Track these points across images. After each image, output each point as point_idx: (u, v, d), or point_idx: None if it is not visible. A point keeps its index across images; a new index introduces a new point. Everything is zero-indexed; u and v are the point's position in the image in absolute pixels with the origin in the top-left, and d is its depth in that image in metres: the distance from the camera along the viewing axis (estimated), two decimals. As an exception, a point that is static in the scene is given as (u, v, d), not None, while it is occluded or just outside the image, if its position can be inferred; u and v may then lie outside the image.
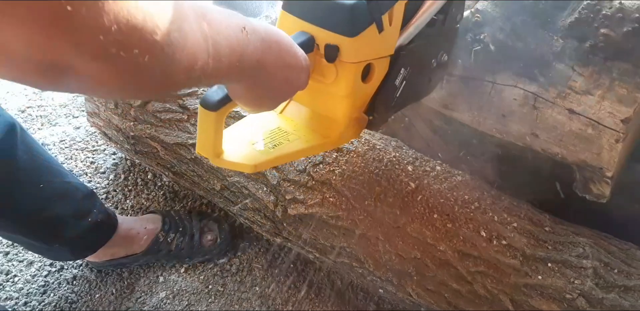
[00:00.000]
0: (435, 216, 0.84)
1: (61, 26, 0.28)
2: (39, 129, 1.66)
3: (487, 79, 0.86)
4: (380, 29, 0.64)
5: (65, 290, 1.27)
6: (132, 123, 1.15)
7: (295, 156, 0.73)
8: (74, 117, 1.71)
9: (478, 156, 0.95)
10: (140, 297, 1.25)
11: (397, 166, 0.93)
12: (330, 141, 0.74)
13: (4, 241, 1.35)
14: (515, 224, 0.84)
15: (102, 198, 1.42)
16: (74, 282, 1.28)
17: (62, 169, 1.08)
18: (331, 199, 0.93)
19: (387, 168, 0.93)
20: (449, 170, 0.93)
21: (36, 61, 0.30)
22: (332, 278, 1.21)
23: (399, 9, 0.67)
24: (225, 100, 0.58)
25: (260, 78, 0.51)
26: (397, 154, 0.95)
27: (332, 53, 0.63)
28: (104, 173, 1.49)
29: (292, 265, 1.24)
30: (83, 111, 1.71)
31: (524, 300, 0.79)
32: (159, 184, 1.45)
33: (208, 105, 0.58)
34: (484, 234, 0.83)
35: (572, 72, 0.78)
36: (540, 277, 0.78)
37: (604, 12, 0.77)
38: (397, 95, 0.77)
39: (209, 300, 1.22)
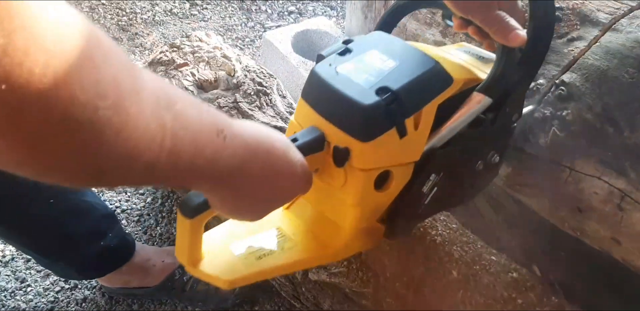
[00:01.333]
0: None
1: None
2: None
3: (565, 164, 0.72)
4: (403, 134, 0.55)
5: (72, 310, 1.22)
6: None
7: (284, 270, 0.63)
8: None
9: (545, 252, 0.80)
10: (145, 334, 1.17)
11: (441, 247, 0.80)
12: (332, 252, 0.64)
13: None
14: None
15: (134, 220, 1.38)
16: (83, 304, 1.25)
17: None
18: (358, 271, 0.81)
19: (429, 247, 0.80)
20: (506, 263, 0.79)
21: None
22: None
23: (429, 110, 0.57)
24: (203, 207, 0.50)
25: (242, 188, 0.45)
26: (446, 233, 0.83)
27: (341, 156, 0.55)
28: (142, 194, 1.46)
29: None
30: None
31: None
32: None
33: (184, 210, 0.51)
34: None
35: (674, 171, 0.63)
36: None
37: None
38: (425, 203, 0.65)
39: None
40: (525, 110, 0.72)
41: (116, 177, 0.31)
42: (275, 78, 1.09)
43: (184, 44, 1.08)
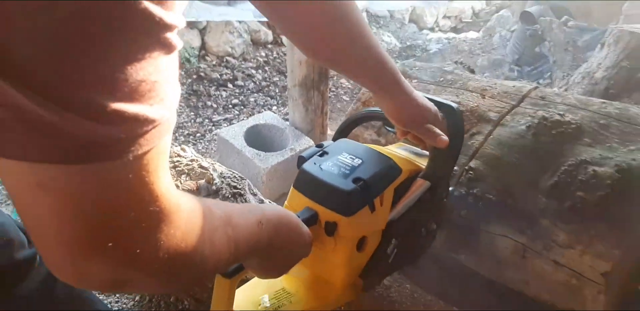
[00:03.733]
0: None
1: (132, 260, 0.39)
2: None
3: (482, 228, 0.96)
4: (372, 209, 0.76)
5: None
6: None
7: None
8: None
9: (480, 296, 1.02)
10: None
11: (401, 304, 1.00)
12: (327, 303, 0.82)
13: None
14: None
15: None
16: None
17: (92, 297, 1.16)
18: None
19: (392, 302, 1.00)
20: (445, 306, 0.99)
21: (108, 280, 0.40)
22: None
23: (389, 192, 0.79)
24: (239, 269, 0.66)
25: (270, 254, 0.60)
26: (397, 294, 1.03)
27: (331, 229, 0.74)
28: (130, 294, 1.56)
29: None
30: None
31: None
32: (180, 307, 1.51)
33: (225, 273, 0.67)
34: None
35: (554, 228, 0.88)
36: None
37: (579, 177, 0.89)
38: (390, 261, 0.85)
39: None
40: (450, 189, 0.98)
41: (208, 277, 0.51)
42: (245, 179, 1.30)
43: (165, 160, 1.28)
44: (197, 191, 1.25)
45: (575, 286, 0.86)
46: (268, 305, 0.79)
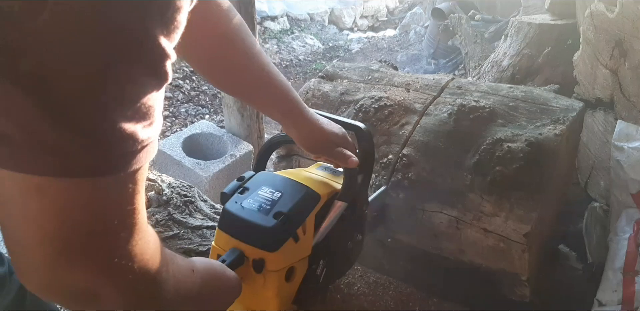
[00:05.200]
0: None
1: (107, 270, 0.42)
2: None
3: (418, 207, 1.07)
4: (296, 240, 0.79)
5: None
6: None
7: None
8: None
9: (422, 269, 1.13)
10: None
11: (351, 286, 1.09)
12: None
13: None
14: (458, 327, 1.00)
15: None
16: None
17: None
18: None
19: (342, 284, 1.08)
20: (397, 284, 1.10)
21: (79, 289, 0.42)
22: None
23: (310, 220, 0.82)
24: None
25: (201, 302, 0.62)
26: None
27: (259, 266, 0.76)
28: None
29: None
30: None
31: None
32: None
33: None
34: (433, 338, 0.98)
35: (481, 200, 1.00)
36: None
37: (497, 153, 1.02)
38: (320, 281, 0.89)
39: None
40: (380, 190, 1.06)
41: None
42: (194, 187, 1.35)
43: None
44: (147, 203, 1.29)
45: (503, 248, 0.98)
46: None
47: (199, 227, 1.28)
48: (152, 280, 0.47)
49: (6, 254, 1.00)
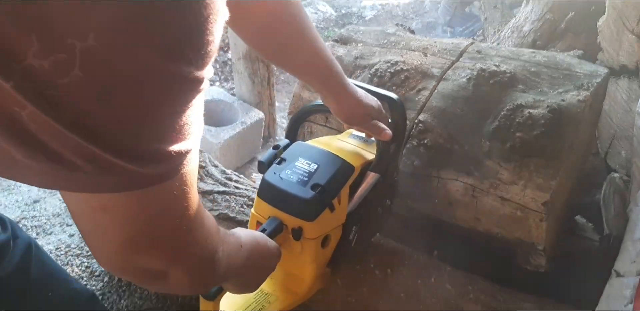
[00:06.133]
0: (402, 295, 0.99)
1: (174, 255, 0.49)
2: (35, 238, 1.77)
3: (434, 175, 1.05)
4: (332, 210, 0.83)
5: None
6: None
7: None
8: (67, 225, 1.82)
9: (436, 238, 1.11)
10: None
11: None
12: (301, 296, 0.91)
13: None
14: (471, 295, 0.99)
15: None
16: None
17: (67, 277, 1.18)
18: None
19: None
20: (411, 253, 1.08)
21: (150, 271, 0.48)
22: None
23: (345, 191, 0.86)
24: (219, 291, 0.74)
25: (246, 273, 0.67)
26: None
27: (297, 234, 0.81)
28: (98, 275, 1.57)
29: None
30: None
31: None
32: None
33: (207, 296, 0.75)
34: (446, 306, 0.97)
35: (499, 167, 0.98)
36: (495, 340, 0.92)
37: (517, 120, 0.98)
38: (352, 246, 0.94)
39: None
40: None
41: (213, 286, 0.62)
42: (204, 152, 1.34)
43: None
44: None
45: (521, 217, 0.96)
46: (251, 309, 0.88)
47: (210, 192, 1.27)
48: (210, 261, 0.53)
49: (8, 219, 1.00)
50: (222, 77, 2.80)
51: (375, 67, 1.17)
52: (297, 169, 0.83)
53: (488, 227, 1.02)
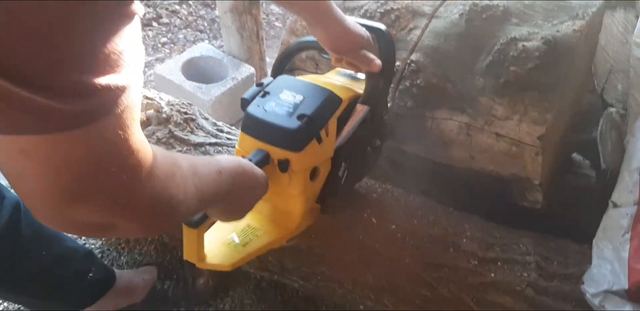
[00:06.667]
0: (399, 235, 0.98)
1: (117, 207, 0.43)
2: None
3: (427, 115, 1.03)
4: (320, 141, 0.81)
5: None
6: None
7: (264, 249, 0.88)
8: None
9: (430, 180, 1.11)
10: (144, 343, 1.32)
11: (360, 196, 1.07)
12: (290, 231, 0.90)
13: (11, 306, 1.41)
14: (467, 233, 0.98)
15: (98, 257, 1.50)
16: None
17: (61, 235, 1.18)
18: (307, 230, 1.05)
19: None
20: (406, 194, 1.08)
21: (94, 224, 0.44)
22: (317, 303, 1.32)
23: (332, 122, 0.84)
24: (204, 218, 0.72)
25: (231, 200, 0.65)
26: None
27: (284, 166, 0.79)
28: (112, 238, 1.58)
29: (279, 297, 1.34)
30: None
31: (483, 297, 0.92)
32: (149, 239, 1.54)
33: (190, 223, 0.73)
34: (442, 244, 0.97)
35: (493, 103, 0.96)
36: (493, 275, 0.92)
37: (511, 53, 0.96)
38: (342, 183, 0.92)
39: (207, 338, 1.31)
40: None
41: (175, 225, 0.56)
42: (194, 105, 1.31)
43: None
44: (147, 121, 1.26)
45: (516, 152, 0.95)
46: (237, 242, 0.86)
47: (202, 144, 1.25)
48: (166, 204, 0.48)
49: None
50: (211, 34, 2.74)
51: (365, 8, 1.13)
52: (281, 101, 0.81)
53: (483, 165, 1.01)
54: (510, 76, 0.94)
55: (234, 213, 0.71)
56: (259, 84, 0.86)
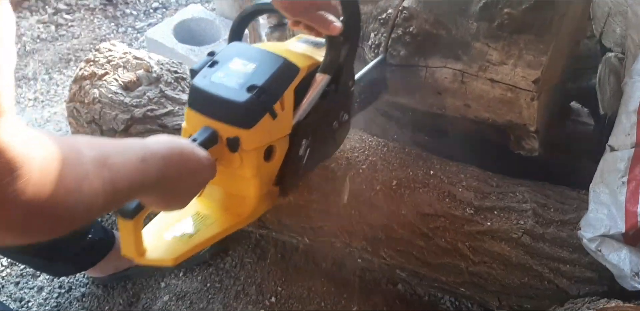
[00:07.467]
0: (394, 183, 0.97)
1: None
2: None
3: (421, 64, 1.00)
4: (274, 116, 0.73)
5: (76, 307, 1.34)
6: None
7: (214, 239, 0.79)
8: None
9: (425, 131, 1.09)
10: (147, 303, 1.34)
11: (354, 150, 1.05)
12: (244, 218, 0.82)
13: (13, 272, 1.42)
14: (463, 183, 0.97)
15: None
16: (84, 299, 1.36)
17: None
18: (302, 185, 1.04)
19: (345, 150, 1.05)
20: (401, 147, 1.06)
21: None
22: (316, 259, 1.33)
23: (288, 94, 0.75)
24: (139, 208, 0.64)
25: (167, 187, 0.59)
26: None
27: (234, 144, 0.71)
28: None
29: (279, 255, 1.35)
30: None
31: (479, 245, 0.92)
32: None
33: (124, 214, 0.65)
34: (437, 194, 0.96)
35: (487, 48, 0.93)
36: (489, 223, 0.92)
37: (505, -5, 0.92)
38: (304, 163, 0.85)
39: (209, 297, 1.32)
40: (377, 60, 0.99)
41: (84, 220, 0.49)
42: (184, 64, 1.29)
43: (97, 57, 1.24)
44: (137, 82, 1.23)
45: (511, 98, 0.93)
46: (183, 232, 0.78)
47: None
48: (46, 214, 0.42)
49: None
50: (203, -3, 2.66)
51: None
52: (230, 71, 0.73)
53: (478, 113, 0.98)
54: (504, 18, 0.91)
55: (172, 201, 0.65)
56: (211, 53, 0.78)
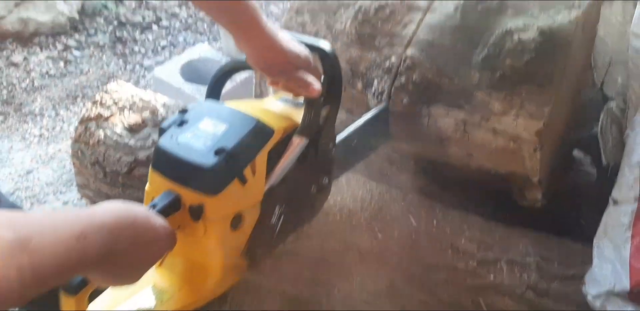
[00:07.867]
0: (396, 233, 0.96)
1: None
2: (29, 209, 1.76)
3: (424, 113, 1.00)
4: (244, 182, 0.68)
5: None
6: (120, 189, 1.23)
7: None
8: (61, 193, 1.81)
9: (427, 178, 1.08)
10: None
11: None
12: (206, 294, 0.75)
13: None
14: (466, 234, 0.95)
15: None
16: None
17: None
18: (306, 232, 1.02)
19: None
20: (404, 194, 1.05)
21: None
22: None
23: (260, 158, 0.70)
24: (83, 284, 0.58)
25: (115, 262, 0.53)
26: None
27: (197, 212, 0.66)
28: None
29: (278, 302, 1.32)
30: (71, 185, 1.81)
31: (482, 300, 0.89)
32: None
33: (67, 289, 0.59)
34: (441, 245, 0.94)
35: (489, 98, 0.93)
36: (492, 277, 0.89)
37: (507, 46, 0.93)
38: (276, 232, 0.79)
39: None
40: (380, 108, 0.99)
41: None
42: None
43: (104, 98, 1.25)
44: (142, 124, 1.24)
45: (514, 148, 0.92)
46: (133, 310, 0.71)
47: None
48: None
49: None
50: (211, 36, 2.73)
51: (359, 4, 1.11)
52: (199, 131, 0.68)
53: (481, 163, 0.98)
54: (506, 69, 0.92)
55: (122, 276, 0.58)
56: (183, 111, 0.72)
